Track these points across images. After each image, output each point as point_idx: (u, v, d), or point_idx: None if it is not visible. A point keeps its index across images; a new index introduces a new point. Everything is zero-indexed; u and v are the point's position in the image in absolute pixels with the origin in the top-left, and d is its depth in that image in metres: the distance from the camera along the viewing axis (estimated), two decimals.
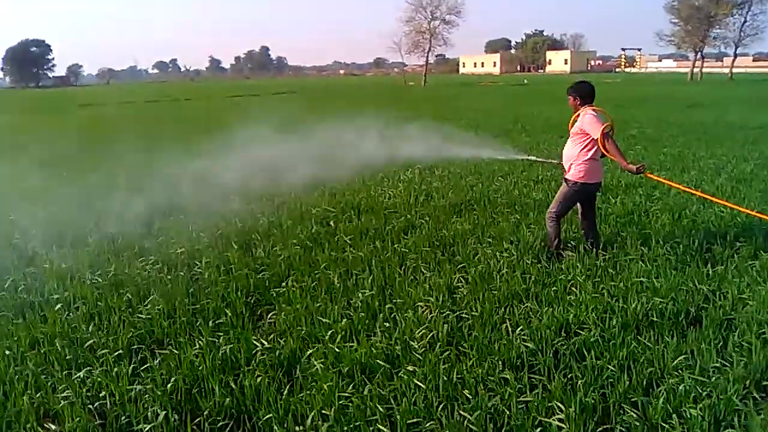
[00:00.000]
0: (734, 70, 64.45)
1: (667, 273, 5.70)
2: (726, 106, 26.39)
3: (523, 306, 5.07)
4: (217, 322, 4.90)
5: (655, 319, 4.80)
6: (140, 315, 5.04)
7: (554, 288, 5.44)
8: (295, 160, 10.24)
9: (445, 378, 3.90)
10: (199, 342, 4.52)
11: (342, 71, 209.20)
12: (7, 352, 4.46)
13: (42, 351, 4.47)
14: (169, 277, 5.91)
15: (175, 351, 4.41)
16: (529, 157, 8.69)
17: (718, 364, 4.08)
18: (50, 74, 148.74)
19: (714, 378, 3.91)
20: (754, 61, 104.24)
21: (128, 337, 4.62)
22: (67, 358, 4.35)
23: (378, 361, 4.13)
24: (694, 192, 7.61)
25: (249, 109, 28.34)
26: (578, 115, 6.19)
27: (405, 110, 25.55)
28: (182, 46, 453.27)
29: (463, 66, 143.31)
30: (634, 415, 3.56)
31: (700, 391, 3.76)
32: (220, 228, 7.52)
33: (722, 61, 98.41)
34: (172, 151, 11.92)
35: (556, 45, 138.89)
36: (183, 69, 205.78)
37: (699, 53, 63.69)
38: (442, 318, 4.79)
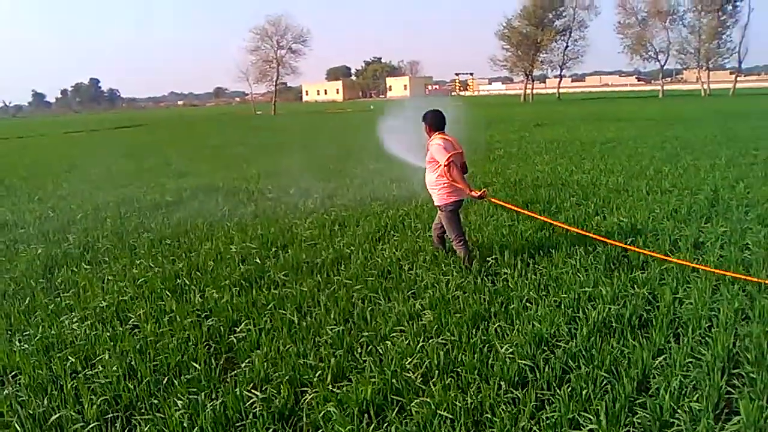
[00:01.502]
0: (552, 91, 70.93)
1: (603, 281, 6.10)
2: (568, 124, 28.80)
3: (494, 325, 5.17)
4: (187, 377, 4.53)
5: (614, 324, 5.12)
6: (97, 380, 4.54)
7: (512, 305, 5.61)
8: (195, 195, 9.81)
9: (460, 405, 3.89)
10: (179, 402, 4.16)
11: (180, 102, 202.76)
12: None
13: None
14: (108, 334, 5.38)
15: (159, 415, 4.02)
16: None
17: (692, 360, 4.43)
18: None
19: (695, 371, 4.24)
20: (573, 81, 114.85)
21: (96, 406, 4.15)
22: None
23: (393, 396, 4.04)
24: (533, 215, 8.22)
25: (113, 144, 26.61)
26: (429, 143, 6.62)
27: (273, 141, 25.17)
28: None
29: (306, 94, 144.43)
30: (647, 415, 3.77)
31: (690, 384, 4.06)
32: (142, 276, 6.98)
33: (545, 82, 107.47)
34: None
35: (395, 72, 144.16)
36: (1, 105, 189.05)
37: (529, 76, 69.15)
38: (428, 346, 4.77)
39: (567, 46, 66.60)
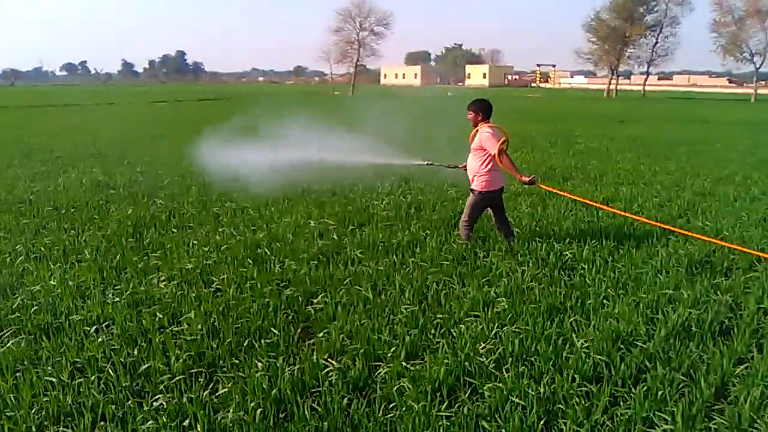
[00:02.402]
0: (637, 88, 68.35)
1: (684, 284, 5.95)
2: (652, 123, 27.87)
3: (570, 319, 5.14)
4: (267, 341, 4.71)
5: (694, 329, 5.00)
6: (182, 336, 4.78)
7: (589, 301, 5.55)
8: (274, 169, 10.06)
9: (533, 393, 3.91)
10: (259, 364, 4.34)
11: (261, 78, 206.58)
12: (53, 380, 4.13)
13: (91, 378, 4.16)
14: (193, 294, 5.65)
15: (240, 374, 4.21)
16: (431, 163, 8.94)
17: None
18: None
19: None
20: (659, 79, 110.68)
21: (182, 360, 4.38)
22: (124, 385, 4.08)
23: (465, 378, 4.11)
24: (586, 201, 8.45)
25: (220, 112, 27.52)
26: (477, 131, 6.80)
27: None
28: (93, 49, 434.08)
29: (384, 77, 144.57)
30: (724, 422, 3.69)
31: None
32: (225, 242, 7.27)
33: (629, 78, 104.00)
34: None
35: (475, 59, 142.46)
36: (93, 72, 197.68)
37: (614, 71, 67.00)
38: (502, 333, 4.79)
39: (656, 42, 64.05)
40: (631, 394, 3.98)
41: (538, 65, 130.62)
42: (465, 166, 7.16)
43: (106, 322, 5.07)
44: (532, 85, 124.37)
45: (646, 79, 70.22)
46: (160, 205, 9.34)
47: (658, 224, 7.70)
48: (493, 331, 4.83)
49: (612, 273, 6.31)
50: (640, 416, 3.72)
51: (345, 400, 3.90)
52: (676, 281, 6.03)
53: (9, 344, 4.61)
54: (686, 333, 4.95)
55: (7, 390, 4.01)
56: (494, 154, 6.62)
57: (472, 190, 7.01)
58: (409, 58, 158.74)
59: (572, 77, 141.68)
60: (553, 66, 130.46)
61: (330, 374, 4.21)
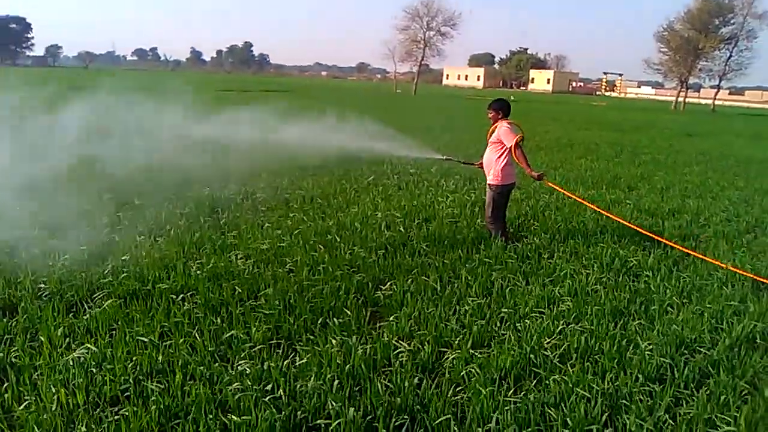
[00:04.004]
0: (709, 101, 66.31)
1: (751, 297, 5.94)
2: (721, 138, 27.15)
3: (634, 322, 5.23)
4: (340, 320, 4.97)
5: (759, 341, 5.03)
6: (261, 310, 5.08)
7: (653, 307, 5.62)
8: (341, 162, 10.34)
9: (598, 388, 4.04)
10: (333, 340, 4.60)
11: (324, 73, 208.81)
12: (145, 340, 4.48)
13: (179, 341, 4.49)
14: (269, 273, 5.96)
15: (317, 347, 4.47)
16: (447, 158, 9.11)
17: None
18: (28, 53, 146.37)
19: None
20: (729, 94, 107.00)
21: (261, 331, 4.67)
22: (210, 349, 4.39)
23: (531, 369, 4.27)
24: (588, 204, 8.70)
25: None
26: (495, 127, 7.33)
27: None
28: (162, 35, 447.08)
29: (447, 78, 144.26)
30: None
31: None
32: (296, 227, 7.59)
33: (698, 92, 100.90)
34: None
35: (539, 64, 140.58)
36: (163, 58, 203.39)
37: (684, 83, 65.17)
38: (567, 330, 4.93)
39: (730, 56, 61.92)
40: (694, 397, 4.07)
41: (605, 73, 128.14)
42: (480, 164, 7.66)
43: (190, 292, 5.42)
44: (597, 93, 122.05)
45: (716, 93, 67.88)
46: (232, 189, 9.72)
47: (667, 241, 7.63)
48: (558, 328, 4.97)
49: (676, 282, 6.34)
50: (703, 417, 3.81)
51: (415, 380, 4.11)
52: (742, 294, 6.02)
53: (104, 306, 4.99)
54: (750, 344, 4.99)
55: (104, 346, 4.37)
56: (511, 147, 7.08)
57: (489, 185, 7.40)
58: (472, 59, 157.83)
59: (639, 87, 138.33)
60: (620, 75, 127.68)
61: (401, 355, 4.43)
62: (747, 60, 62.65)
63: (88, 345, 4.34)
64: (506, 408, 3.79)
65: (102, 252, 6.35)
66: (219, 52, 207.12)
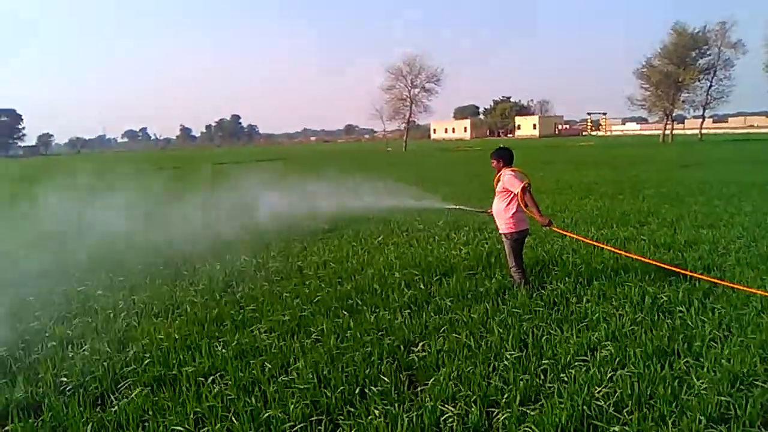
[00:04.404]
0: (694, 132, 67.15)
1: None
2: (716, 166, 27.30)
3: (681, 361, 5.04)
4: (379, 389, 4.76)
5: None
6: (294, 385, 4.87)
7: (696, 343, 5.43)
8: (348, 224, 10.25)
9: None
10: (376, 411, 4.39)
11: (313, 138, 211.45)
12: (180, 429, 4.26)
13: (216, 427, 4.27)
14: (296, 345, 5.76)
15: (360, 420, 4.26)
16: (459, 207, 9.20)
17: None
18: (20, 143, 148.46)
19: None
20: (714, 122, 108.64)
21: (299, 408, 4.46)
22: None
23: (589, 422, 4.06)
24: (602, 246, 8.73)
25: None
26: (500, 176, 7.33)
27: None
28: (151, 115, 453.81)
29: (434, 132, 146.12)
30: None
31: None
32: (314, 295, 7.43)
33: (683, 123, 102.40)
34: None
35: (524, 110, 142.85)
36: (153, 137, 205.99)
37: (669, 116, 66.13)
38: (616, 376, 4.73)
39: (711, 86, 63.14)
40: None
41: (589, 113, 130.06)
42: (491, 211, 7.64)
43: (219, 373, 5.22)
44: (584, 133, 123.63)
45: (702, 123, 68.84)
46: (244, 261, 9.59)
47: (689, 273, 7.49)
48: (608, 375, 4.77)
49: (711, 314, 6.17)
50: None
51: None
52: None
53: (132, 395, 4.78)
54: None
55: None
56: (518, 193, 7.07)
57: (504, 235, 7.38)
58: (457, 112, 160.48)
59: (624, 124, 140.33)
60: (604, 114, 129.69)
61: (449, 420, 4.22)
62: (728, 88, 63.90)
63: None
64: None
65: (121, 338, 6.16)
66: (208, 126, 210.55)
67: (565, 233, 8.94)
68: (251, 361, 5.41)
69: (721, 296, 6.77)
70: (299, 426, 4.24)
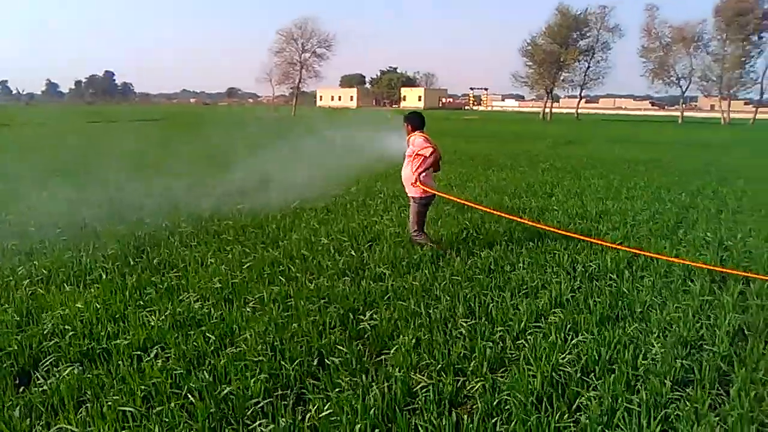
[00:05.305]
0: (568, 111, 71.06)
1: (716, 290, 6.09)
2: (599, 143, 28.91)
3: (630, 327, 5.15)
4: (339, 359, 4.50)
5: (747, 332, 5.12)
6: (248, 357, 4.50)
7: (638, 309, 5.58)
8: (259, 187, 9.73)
9: (636, 399, 3.88)
10: (341, 383, 4.14)
11: (193, 100, 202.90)
12: (131, 410, 3.80)
13: (172, 405, 3.85)
14: (236, 314, 5.36)
15: (329, 393, 4.00)
16: None
17: None
18: None
19: None
20: (586, 102, 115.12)
21: (259, 382, 4.12)
22: (213, 411, 3.79)
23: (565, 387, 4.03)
24: (473, 205, 9.17)
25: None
26: (410, 139, 7.47)
27: None
28: (14, 68, 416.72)
29: (320, 99, 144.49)
30: None
31: None
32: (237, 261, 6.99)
33: (558, 102, 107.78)
34: None
35: (410, 82, 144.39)
36: (14, 92, 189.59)
37: (549, 94, 69.29)
38: (574, 342, 4.75)
39: (589, 67, 66.87)
40: (721, 397, 4.02)
41: (471, 88, 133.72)
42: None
43: (157, 346, 4.73)
44: (466, 107, 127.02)
45: (579, 102, 72.91)
46: (152, 224, 8.89)
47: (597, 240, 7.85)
48: (567, 341, 4.78)
49: (641, 281, 6.40)
50: (746, 417, 3.73)
51: (454, 417, 3.73)
52: (708, 288, 6.16)
53: (64, 374, 4.21)
54: (742, 337, 5.05)
55: (81, 424, 3.65)
56: (432, 153, 7.13)
57: (412, 199, 7.48)
58: (344, 80, 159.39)
59: (503, 100, 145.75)
60: (485, 89, 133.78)
61: (423, 390, 4.04)
62: (604, 70, 67.80)
63: (63, 425, 3.61)
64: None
65: (30, 309, 5.47)
66: (78, 82, 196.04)
67: (444, 195, 8.75)
68: (190, 333, 4.96)
69: (645, 266, 7.03)
70: (265, 402, 3.90)
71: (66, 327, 5.00)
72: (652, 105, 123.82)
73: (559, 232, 7.97)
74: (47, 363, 4.46)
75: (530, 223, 8.74)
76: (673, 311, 5.53)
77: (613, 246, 7.47)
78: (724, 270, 6.67)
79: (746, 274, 6.55)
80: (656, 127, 52.57)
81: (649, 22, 64.53)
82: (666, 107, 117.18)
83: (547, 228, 8.09)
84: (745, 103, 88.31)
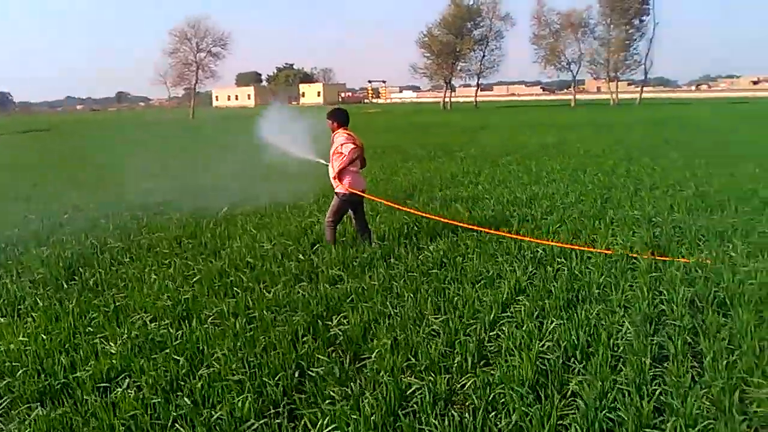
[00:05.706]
0: (465, 99, 72.98)
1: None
2: (506, 130, 29.84)
3: (594, 309, 5.29)
4: (321, 368, 4.36)
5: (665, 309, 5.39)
6: (227, 379, 4.28)
7: (595, 290, 5.75)
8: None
9: (628, 378, 3.98)
10: (332, 394, 4.01)
11: (79, 106, 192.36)
12: None
13: None
14: (198, 333, 5.09)
15: (321, 407, 3.86)
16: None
17: None
18: None
19: None
20: (481, 90, 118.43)
21: (248, 403, 3.92)
22: None
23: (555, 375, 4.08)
24: (405, 209, 8.81)
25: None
26: (334, 136, 7.42)
27: None
28: None
29: (216, 99, 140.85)
30: None
31: None
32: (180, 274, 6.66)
33: (455, 91, 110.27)
34: None
35: (307, 78, 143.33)
36: None
37: (448, 84, 70.73)
38: (550, 329, 4.83)
39: (484, 56, 68.81)
40: (696, 368, 4.20)
41: (369, 81, 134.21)
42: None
43: (124, 374, 4.41)
44: (365, 101, 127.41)
45: (477, 91, 74.91)
46: (74, 243, 8.32)
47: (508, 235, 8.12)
48: (550, 328, 4.85)
49: (589, 263, 6.61)
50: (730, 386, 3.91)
51: (456, 417, 3.70)
52: (654, 265, 6.45)
53: (31, 416, 3.84)
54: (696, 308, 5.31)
55: None
56: (350, 151, 7.13)
57: (336, 194, 7.42)
58: (239, 79, 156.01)
59: (401, 92, 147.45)
60: (384, 82, 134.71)
61: (418, 392, 3.98)
62: (498, 58, 69.95)
63: None
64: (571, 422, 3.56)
65: None
66: None
67: (374, 198, 8.76)
68: (155, 357, 4.66)
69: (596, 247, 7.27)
70: (258, 425, 3.71)
71: (14, 364, 4.58)
72: (543, 90, 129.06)
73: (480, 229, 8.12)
74: (3, 406, 4.07)
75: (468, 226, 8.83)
76: (628, 290, 5.74)
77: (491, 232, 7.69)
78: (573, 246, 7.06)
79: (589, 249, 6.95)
80: (553, 111, 54.86)
81: (538, 9, 67.52)
82: (556, 91, 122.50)
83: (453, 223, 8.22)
84: (629, 84, 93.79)
